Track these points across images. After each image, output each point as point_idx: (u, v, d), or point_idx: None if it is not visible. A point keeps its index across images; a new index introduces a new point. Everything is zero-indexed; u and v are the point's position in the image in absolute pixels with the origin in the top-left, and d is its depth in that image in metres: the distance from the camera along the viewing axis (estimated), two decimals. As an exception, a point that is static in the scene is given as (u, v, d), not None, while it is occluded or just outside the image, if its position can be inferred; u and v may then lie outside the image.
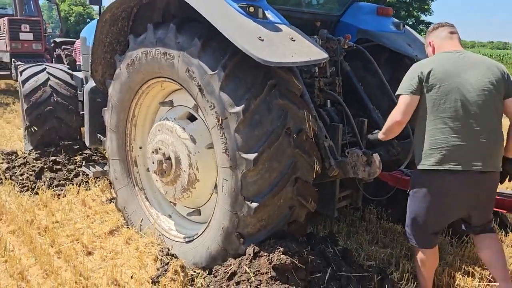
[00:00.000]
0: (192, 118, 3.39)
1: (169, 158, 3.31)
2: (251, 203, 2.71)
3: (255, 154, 2.64)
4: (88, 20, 70.09)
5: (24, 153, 5.96)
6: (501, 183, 2.82)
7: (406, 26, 4.42)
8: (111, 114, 3.83)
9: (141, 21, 3.86)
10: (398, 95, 2.78)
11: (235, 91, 2.72)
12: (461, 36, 2.99)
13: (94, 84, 4.67)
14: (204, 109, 2.89)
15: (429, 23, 35.84)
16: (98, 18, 4.90)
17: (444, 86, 2.60)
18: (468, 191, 2.63)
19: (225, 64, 2.74)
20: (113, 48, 3.99)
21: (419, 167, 2.71)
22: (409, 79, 2.73)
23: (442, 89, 2.60)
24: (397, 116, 2.71)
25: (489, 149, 2.59)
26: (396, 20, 4.38)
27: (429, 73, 2.63)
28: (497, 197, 2.90)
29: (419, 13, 34.22)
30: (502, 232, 3.82)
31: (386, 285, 2.93)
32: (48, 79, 5.43)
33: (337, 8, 4.31)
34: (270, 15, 2.99)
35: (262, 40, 2.67)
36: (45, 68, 5.59)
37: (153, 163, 3.37)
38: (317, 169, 2.93)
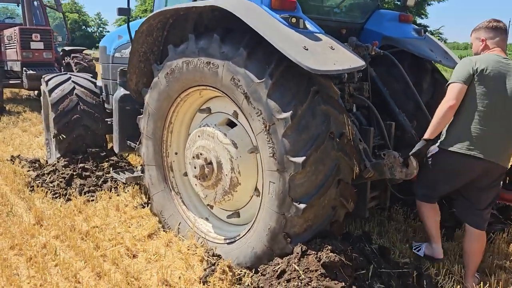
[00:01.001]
0: (230, 124, 3.53)
1: (210, 163, 3.45)
2: (299, 204, 2.85)
3: (303, 157, 2.78)
4: (83, 27, 70.35)
5: (47, 160, 6.10)
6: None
7: (426, 33, 4.60)
8: (147, 122, 3.96)
9: (175, 31, 4.02)
10: (449, 84, 3.07)
11: (282, 98, 2.86)
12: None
13: (123, 93, 4.81)
14: (249, 116, 3.03)
15: (426, 26, 36.33)
16: (121, 28, 5.08)
17: (490, 85, 2.95)
18: (480, 175, 3.05)
19: (272, 72, 2.89)
20: (147, 58, 4.12)
21: (449, 148, 3.08)
22: (462, 70, 3.03)
23: (488, 87, 2.95)
24: (450, 101, 3.00)
25: (506, 145, 3.01)
26: (416, 26, 4.56)
27: (482, 70, 2.96)
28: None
29: (416, 16, 34.71)
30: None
31: (424, 281, 3.07)
32: (74, 88, 5.55)
33: (360, 16, 4.47)
34: (309, 25, 3.14)
35: (307, 49, 2.82)
36: (70, 78, 5.71)
37: (195, 168, 3.50)
38: (357, 171, 3.08)
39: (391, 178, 3.22)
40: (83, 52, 12.11)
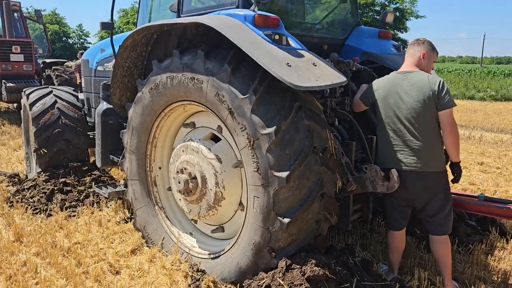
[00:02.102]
0: (214, 139, 3.55)
1: (195, 178, 3.45)
2: (283, 218, 2.88)
3: (287, 172, 2.81)
4: (64, 38, 69.62)
5: (27, 175, 5.99)
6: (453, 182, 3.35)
7: (404, 49, 4.73)
8: (131, 136, 3.94)
9: (157, 46, 4.04)
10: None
11: (266, 113, 2.90)
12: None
13: (106, 106, 4.79)
14: (234, 131, 3.06)
15: (405, 40, 37.24)
16: (109, 42, 5.08)
17: (385, 105, 3.33)
18: (410, 185, 3.22)
19: (256, 88, 2.93)
20: (130, 72, 4.12)
21: (378, 164, 3.36)
22: (365, 92, 3.58)
23: (383, 107, 3.34)
24: (354, 108, 3.82)
25: (423, 153, 3.17)
26: (395, 42, 4.69)
27: (377, 92, 3.40)
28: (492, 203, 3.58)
29: (395, 31, 35.57)
30: (503, 240, 4.07)
31: (407, 293, 3.12)
32: (55, 101, 5.49)
33: (341, 32, 4.58)
34: (291, 41, 3.20)
35: (290, 66, 2.87)
36: (51, 91, 5.65)
37: (179, 182, 3.50)
38: (339, 185, 3.13)
39: (373, 191, 3.28)
40: (64, 64, 11.99)
